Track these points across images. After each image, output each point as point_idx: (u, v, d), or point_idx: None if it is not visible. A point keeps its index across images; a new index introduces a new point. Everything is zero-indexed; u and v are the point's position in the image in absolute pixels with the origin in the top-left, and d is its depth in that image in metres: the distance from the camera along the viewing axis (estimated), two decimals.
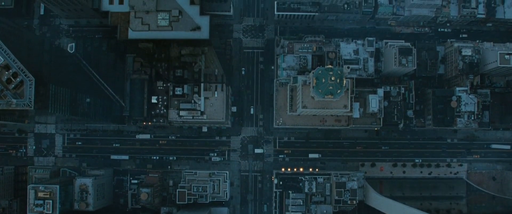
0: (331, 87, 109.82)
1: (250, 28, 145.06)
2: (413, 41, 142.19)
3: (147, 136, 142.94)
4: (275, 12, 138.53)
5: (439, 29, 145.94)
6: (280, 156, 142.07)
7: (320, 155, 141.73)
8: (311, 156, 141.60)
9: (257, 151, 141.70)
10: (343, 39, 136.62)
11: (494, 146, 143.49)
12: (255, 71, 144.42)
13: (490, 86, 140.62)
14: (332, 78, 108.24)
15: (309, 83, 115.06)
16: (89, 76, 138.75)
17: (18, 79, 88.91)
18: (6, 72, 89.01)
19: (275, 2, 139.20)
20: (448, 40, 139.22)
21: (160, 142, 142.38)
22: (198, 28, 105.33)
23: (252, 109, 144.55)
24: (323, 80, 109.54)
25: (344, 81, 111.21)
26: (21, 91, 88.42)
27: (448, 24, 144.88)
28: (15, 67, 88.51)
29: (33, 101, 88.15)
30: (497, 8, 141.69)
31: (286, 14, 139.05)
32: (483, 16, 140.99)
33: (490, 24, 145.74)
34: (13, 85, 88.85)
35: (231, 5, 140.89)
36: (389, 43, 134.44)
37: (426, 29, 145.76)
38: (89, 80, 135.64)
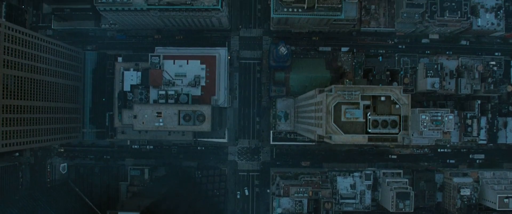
0: None
1: (245, 150, 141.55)
2: (411, 165, 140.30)
3: None
4: (271, 142, 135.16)
5: (439, 150, 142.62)
6: None
7: None
8: None
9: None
10: (340, 173, 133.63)
11: None
12: (251, 195, 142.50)
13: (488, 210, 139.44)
14: None
15: None
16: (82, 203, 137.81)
17: None
18: None
19: (271, 132, 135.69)
20: (448, 172, 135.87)
21: None
22: None
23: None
24: None
25: None
26: None
27: (448, 145, 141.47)
28: None
29: None
30: (499, 133, 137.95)
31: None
32: (485, 142, 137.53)
33: (491, 144, 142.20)
34: None
35: (226, 131, 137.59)
36: (386, 180, 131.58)
37: (426, 149, 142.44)
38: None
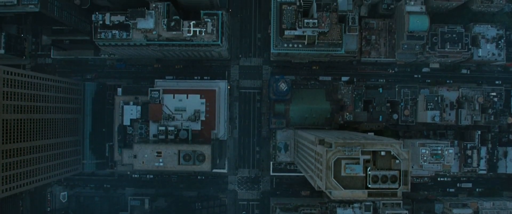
0: None
1: (245, 179, 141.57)
2: (411, 194, 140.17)
3: None
4: (271, 173, 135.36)
5: (439, 179, 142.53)
6: None
7: None
8: None
9: None
10: (340, 204, 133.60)
11: None
12: None
13: None
14: None
15: None
16: None
17: None
18: None
19: (271, 162, 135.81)
20: (448, 202, 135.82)
21: None
22: None
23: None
24: None
25: None
26: None
27: (448, 175, 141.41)
28: None
29: None
30: (499, 162, 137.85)
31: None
32: (485, 172, 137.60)
33: (491, 173, 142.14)
34: None
35: (226, 161, 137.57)
36: (386, 212, 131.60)
37: (426, 179, 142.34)
38: None
